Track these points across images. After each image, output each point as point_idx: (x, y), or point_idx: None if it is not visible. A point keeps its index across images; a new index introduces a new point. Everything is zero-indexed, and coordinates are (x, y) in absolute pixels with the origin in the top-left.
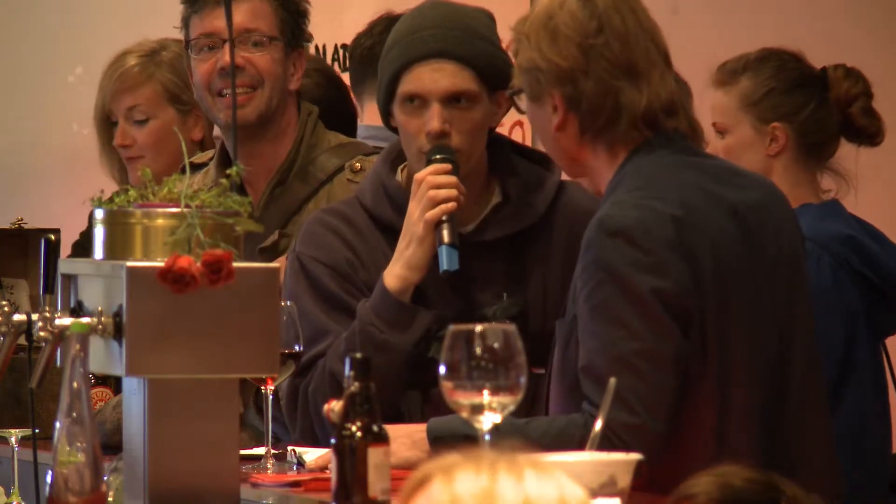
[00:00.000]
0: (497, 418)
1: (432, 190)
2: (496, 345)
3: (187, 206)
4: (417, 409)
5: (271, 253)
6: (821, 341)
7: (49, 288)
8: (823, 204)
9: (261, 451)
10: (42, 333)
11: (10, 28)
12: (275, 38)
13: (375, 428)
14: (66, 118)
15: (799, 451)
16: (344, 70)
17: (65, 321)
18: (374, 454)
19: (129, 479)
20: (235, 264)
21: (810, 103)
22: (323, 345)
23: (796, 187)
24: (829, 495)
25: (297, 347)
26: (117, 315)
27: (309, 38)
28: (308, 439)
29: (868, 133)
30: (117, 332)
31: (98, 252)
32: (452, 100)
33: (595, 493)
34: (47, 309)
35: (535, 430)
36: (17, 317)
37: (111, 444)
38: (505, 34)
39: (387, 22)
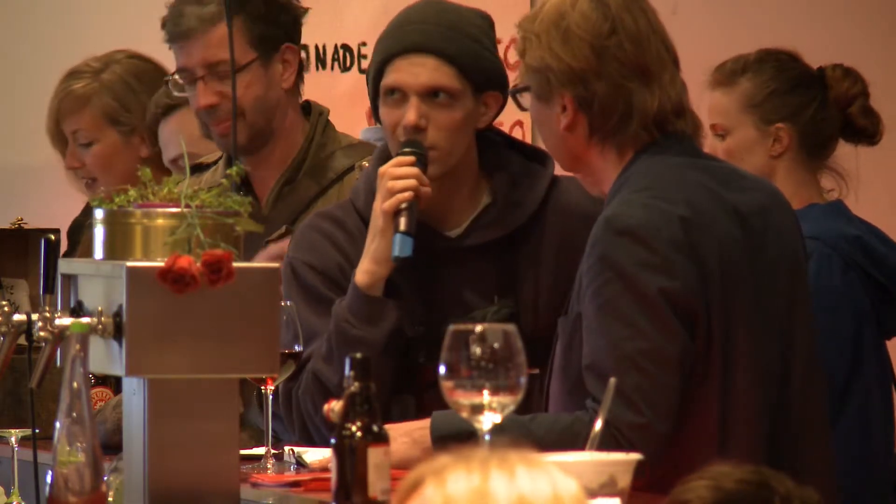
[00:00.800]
0: (497, 418)
1: (391, 181)
2: (496, 345)
3: (187, 206)
4: (412, 415)
5: None
6: (829, 341)
7: (49, 288)
8: (829, 204)
9: (261, 451)
10: (42, 333)
11: (10, 28)
12: (246, 64)
13: (375, 428)
14: None
15: (800, 453)
16: (344, 70)
17: (65, 321)
18: (374, 454)
19: (129, 479)
20: (235, 264)
21: (812, 103)
22: (313, 348)
23: (801, 187)
24: (828, 495)
25: (297, 347)
26: (117, 315)
27: (297, 26)
28: (306, 440)
29: (867, 133)
30: (117, 332)
31: (98, 252)
32: (431, 94)
33: (595, 493)
34: (47, 309)
35: (540, 426)
36: (17, 317)
37: (111, 444)
38: (505, 35)
39: None
